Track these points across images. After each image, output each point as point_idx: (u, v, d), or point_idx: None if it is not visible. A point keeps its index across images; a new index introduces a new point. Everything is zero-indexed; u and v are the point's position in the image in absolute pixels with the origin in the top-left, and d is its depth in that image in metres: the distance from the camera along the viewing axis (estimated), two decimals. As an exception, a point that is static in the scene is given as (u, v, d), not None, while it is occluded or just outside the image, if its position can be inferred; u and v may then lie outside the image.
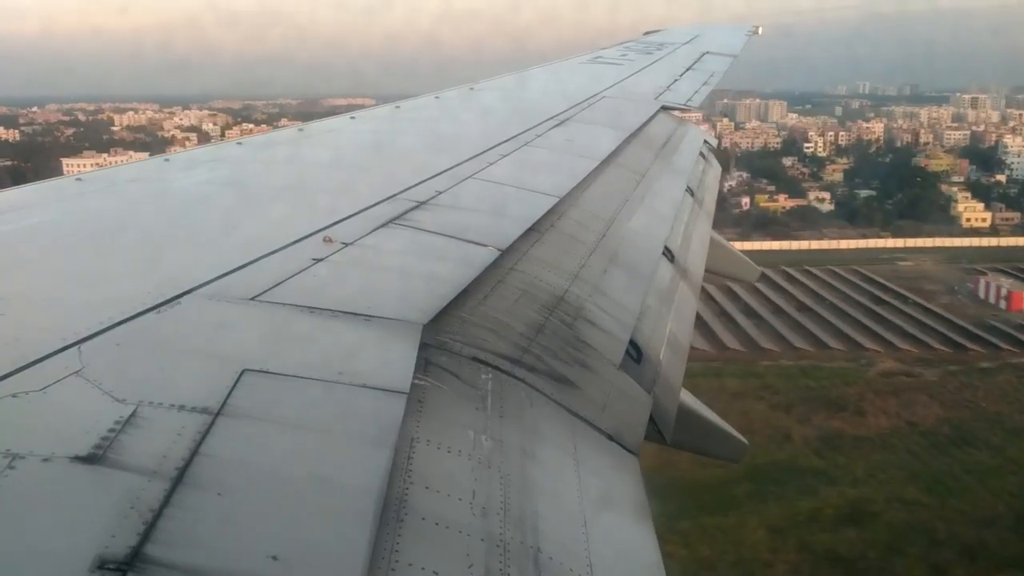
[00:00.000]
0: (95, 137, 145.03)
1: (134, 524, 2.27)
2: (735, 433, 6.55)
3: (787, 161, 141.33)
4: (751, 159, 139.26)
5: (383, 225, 5.29)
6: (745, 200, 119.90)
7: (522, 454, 3.43)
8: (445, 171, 6.83)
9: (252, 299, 3.89)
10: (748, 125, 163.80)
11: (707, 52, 17.77)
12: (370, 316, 3.86)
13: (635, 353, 4.99)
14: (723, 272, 10.87)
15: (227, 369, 3.18)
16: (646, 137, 10.62)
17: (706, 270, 8.03)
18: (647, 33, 21.72)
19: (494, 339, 4.27)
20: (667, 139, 11.14)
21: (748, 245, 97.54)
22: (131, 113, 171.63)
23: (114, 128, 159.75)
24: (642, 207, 7.91)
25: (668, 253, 7.00)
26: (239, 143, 8.01)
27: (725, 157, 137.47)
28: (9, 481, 2.39)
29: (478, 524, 2.84)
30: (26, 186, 6.22)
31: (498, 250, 5.14)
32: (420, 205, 5.81)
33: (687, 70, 15.83)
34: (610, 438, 4.00)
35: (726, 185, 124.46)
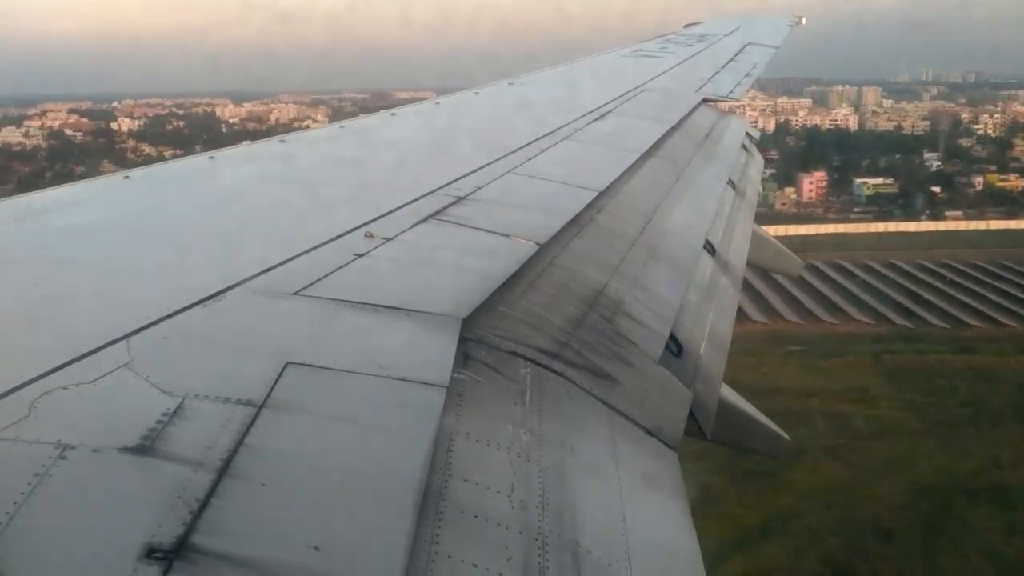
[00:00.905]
0: (207, 128, 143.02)
1: (181, 514, 2.32)
2: (777, 429, 6.48)
3: (965, 143, 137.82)
4: (926, 142, 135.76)
5: (424, 220, 5.33)
6: (978, 180, 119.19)
7: (561, 448, 3.44)
8: (485, 166, 6.84)
9: (295, 293, 3.95)
10: (871, 110, 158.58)
11: (749, 43, 17.57)
12: (410, 310, 3.89)
13: (675, 348, 4.96)
14: (766, 265, 10.77)
15: (271, 362, 3.24)
16: (687, 130, 10.53)
17: (748, 263, 7.95)
18: (688, 25, 21.51)
19: (533, 333, 4.27)
20: (708, 132, 11.03)
21: (1016, 224, 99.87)
22: (231, 106, 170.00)
23: (232, 120, 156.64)
24: (683, 200, 7.84)
25: (709, 247, 6.94)
26: (282, 140, 8.11)
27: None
28: (61, 471, 2.46)
29: (517, 517, 2.86)
30: (75, 184, 6.38)
31: (537, 244, 5.14)
32: (460, 200, 5.84)
33: (728, 62, 15.67)
34: (649, 433, 3.99)
35: (934, 165, 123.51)
